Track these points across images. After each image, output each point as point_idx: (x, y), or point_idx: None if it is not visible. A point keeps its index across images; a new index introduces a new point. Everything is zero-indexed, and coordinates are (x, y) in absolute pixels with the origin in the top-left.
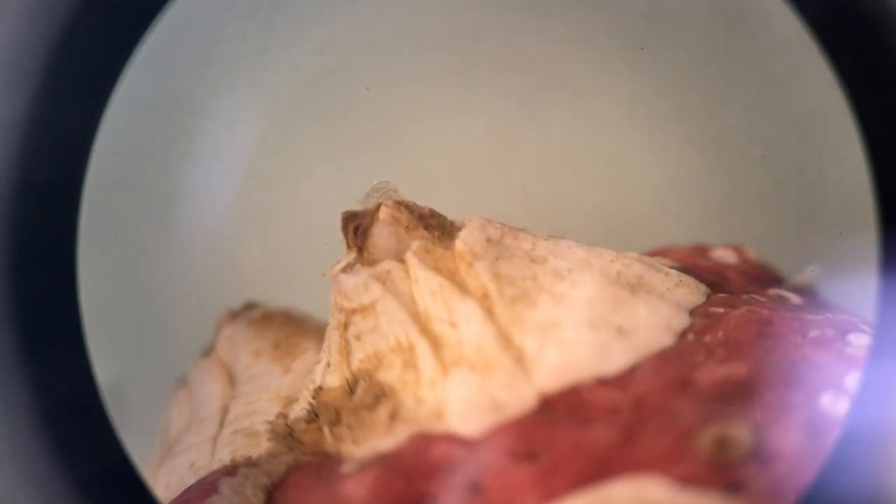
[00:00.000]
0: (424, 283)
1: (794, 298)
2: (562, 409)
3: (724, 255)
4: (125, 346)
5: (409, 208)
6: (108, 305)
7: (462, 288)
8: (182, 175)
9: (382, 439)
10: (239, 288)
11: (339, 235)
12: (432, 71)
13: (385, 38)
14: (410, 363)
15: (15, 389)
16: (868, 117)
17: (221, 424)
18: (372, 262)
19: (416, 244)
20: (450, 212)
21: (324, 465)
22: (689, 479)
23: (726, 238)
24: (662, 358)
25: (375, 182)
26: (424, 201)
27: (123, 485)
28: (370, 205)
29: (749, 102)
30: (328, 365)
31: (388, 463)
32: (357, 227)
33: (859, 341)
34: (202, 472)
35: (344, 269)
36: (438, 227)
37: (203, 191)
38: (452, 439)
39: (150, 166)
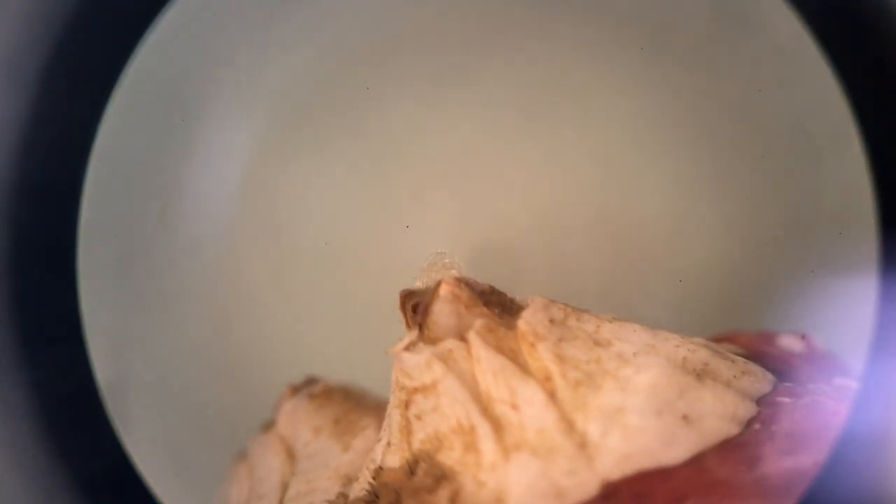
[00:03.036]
0: (487, 363)
1: None
2: (625, 497)
3: (790, 343)
4: (125, 346)
5: (470, 285)
6: (108, 305)
7: (524, 369)
8: (182, 175)
9: None
10: (238, 286)
11: (338, 236)
12: (433, 72)
13: (386, 38)
14: (471, 445)
15: (15, 389)
16: (868, 117)
17: (281, 502)
18: (433, 340)
19: (478, 323)
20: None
21: None
22: None
23: (724, 238)
24: (728, 447)
25: (432, 255)
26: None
27: (123, 485)
28: (429, 279)
29: (748, 102)
30: (388, 444)
31: None
32: (416, 305)
33: None
34: None
35: (406, 348)
36: (498, 305)
37: (203, 190)
38: None
39: (150, 166)
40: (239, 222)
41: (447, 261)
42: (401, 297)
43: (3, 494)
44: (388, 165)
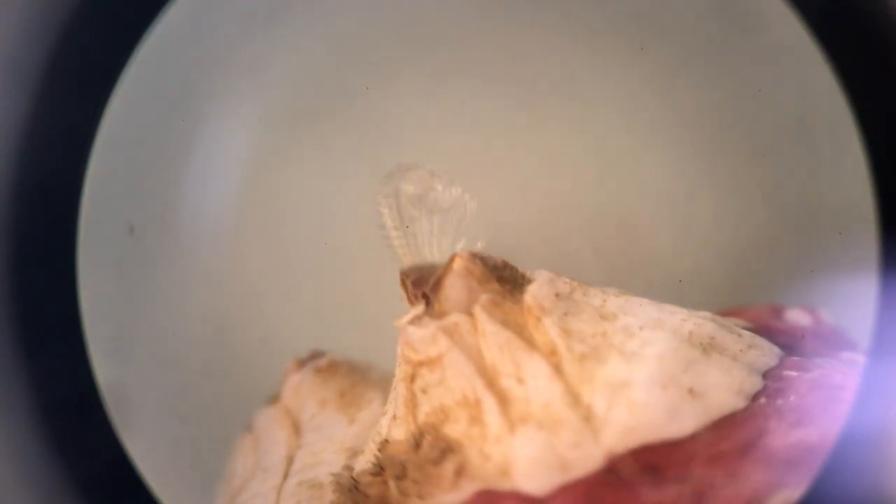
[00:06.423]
0: (492, 337)
1: None
2: (630, 470)
3: (798, 317)
4: (125, 346)
5: (483, 260)
6: (108, 305)
7: (530, 343)
8: (182, 175)
9: (448, 495)
10: (238, 286)
11: (338, 234)
12: (432, 71)
13: (385, 38)
14: (477, 418)
15: (15, 389)
16: (868, 118)
17: (286, 474)
18: (440, 315)
19: (484, 297)
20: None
21: None
22: None
23: (724, 238)
24: (734, 421)
25: (401, 163)
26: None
27: (123, 485)
28: (389, 189)
29: (749, 103)
30: (394, 417)
31: None
32: (416, 280)
33: None
34: None
35: (412, 321)
36: (510, 280)
37: (203, 190)
38: (518, 497)
39: (151, 166)
40: (239, 222)
41: (421, 169)
42: (401, 273)
43: (3, 495)
44: (387, 165)
